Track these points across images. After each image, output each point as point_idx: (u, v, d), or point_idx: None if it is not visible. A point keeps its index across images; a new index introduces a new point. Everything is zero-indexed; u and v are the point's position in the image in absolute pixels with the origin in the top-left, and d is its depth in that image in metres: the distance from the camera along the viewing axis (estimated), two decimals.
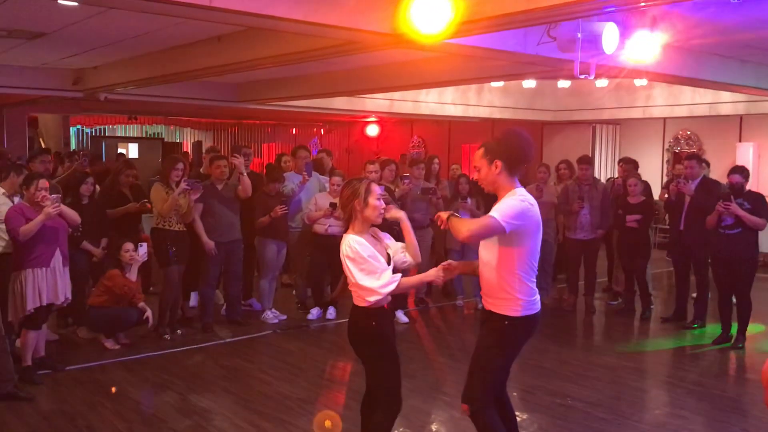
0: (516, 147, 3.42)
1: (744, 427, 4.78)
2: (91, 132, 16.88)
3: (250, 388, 5.43)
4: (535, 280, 3.44)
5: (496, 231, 3.27)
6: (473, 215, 7.87)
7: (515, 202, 3.30)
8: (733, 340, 6.72)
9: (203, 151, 11.93)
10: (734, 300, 6.77)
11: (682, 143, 13.96)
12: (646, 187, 7.99)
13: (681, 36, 6.73)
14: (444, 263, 3.62)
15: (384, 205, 3.52)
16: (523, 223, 3.31)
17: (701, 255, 7.18)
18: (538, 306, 3.48)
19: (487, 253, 3.44)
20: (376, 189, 3.53)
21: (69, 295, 5.67)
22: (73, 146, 15.51)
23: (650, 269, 8.26)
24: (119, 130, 17.41)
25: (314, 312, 7.55)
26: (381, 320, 3.53)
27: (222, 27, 6.35)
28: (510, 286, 3.37)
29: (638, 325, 7.69)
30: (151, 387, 5.47)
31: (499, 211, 3.26)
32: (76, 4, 5.03)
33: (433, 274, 3.56)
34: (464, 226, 3.35)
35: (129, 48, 7.97)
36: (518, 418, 4.69)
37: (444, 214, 3.47)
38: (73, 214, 5.68)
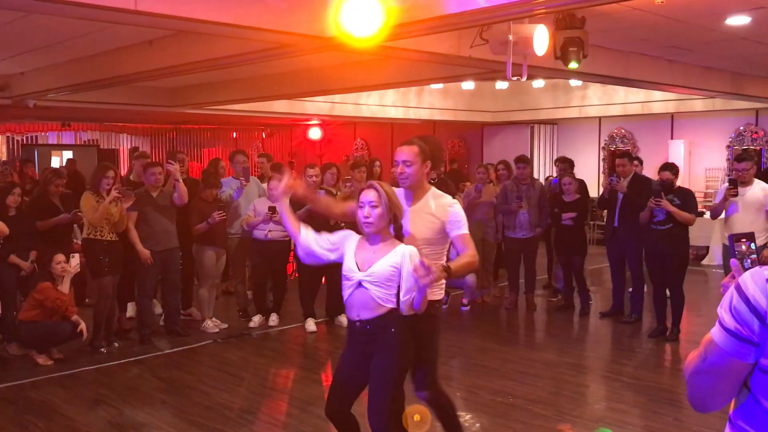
0: (440, 153, 3.91)
1: (678, 418, 4.90)
2: (22, 140, 16.30)
3: (189, 400, 5.30)
4: None
5: None
6: None
7: (460, 209, 3.69)
8: (667, 333, 6.91)
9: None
10: (668, 293, 6.96)
11: (617, 141, 14.33)
12: (582, 185, 8.16)
13: (608, 36, 6.90)
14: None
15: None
16: None
17: (635, 250, 7.35)
18: None
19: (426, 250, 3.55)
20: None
21: None
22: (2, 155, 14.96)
23: (587, 265, 8.44)
24: (52, 138, 16.85)
25: (256, 320, 7.45)
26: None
27: (152, 31, 6.22)
28: None
29: (578, 321, 7.85)
30: (86, 402, 5.29)
31: (465, 225, 3.62)
32: None
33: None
34: (470, 258, 3.51)
35: (57, 53, 7.73)
36: (460, 418, 4.72)
37: (436, 269, 3.10)
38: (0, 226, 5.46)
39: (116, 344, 6.64)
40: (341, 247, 3.41)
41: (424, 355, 3.63)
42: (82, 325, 6.14)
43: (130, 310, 7.38)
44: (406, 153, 3.59)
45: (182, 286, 7.34)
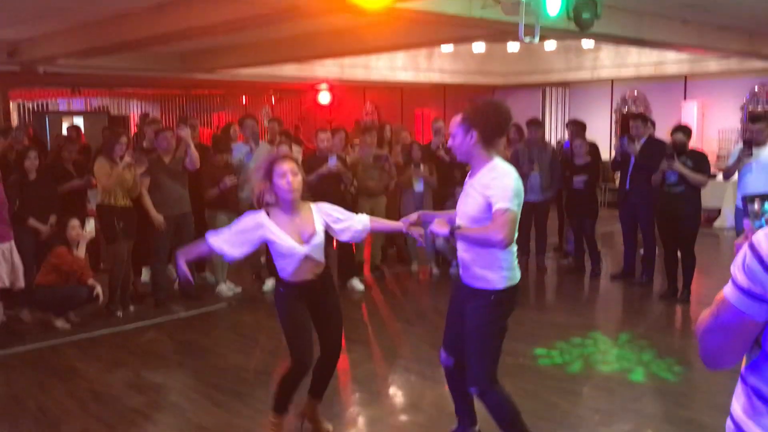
0: (493, 120, 3.28)
1: (689, 377, 4.95)
2: (33, 106, 16.32)
3: (205, 362, 5.40)
4: (515, 250, 3.36)
5: (517, 219, 3.16)
6: (427, 181, 7.90)
7: (509, 182, 3.16)
8: (678, 294, 6.93)
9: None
10: (679, 255, 6.96)
11: (629, 104, 14.19)
12: (593, 148, 8.11)
13: None
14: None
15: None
16: (520, 200, 3.20)
17: (647, 213, 7.33)
18: (519, 274, 3.40)
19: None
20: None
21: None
22: (14, 121, 14.99)
23: (599, 228, 8.43)
24: (62, 104, 16.88)
25: (269, 283, 7.51)
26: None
27: None
28: (495, 260, 3.28)
29: (588, 283, 7.88)
30: (104, 365, 5.40)
31: (506, 199, 3.10)
32: None
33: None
34: (497, 233, 3.06)
35: (66, 18, 7.70)
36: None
37: (442, 227, 3.26)
38: None
39: (132, 308, 6.73)
40: (257, 235, 3.56)
41: (467, 345, 3.42)
42: (98, 289, 6.23)
43: (145, 274, 7.47)
44: (451, 124, 3.35)
45: None
